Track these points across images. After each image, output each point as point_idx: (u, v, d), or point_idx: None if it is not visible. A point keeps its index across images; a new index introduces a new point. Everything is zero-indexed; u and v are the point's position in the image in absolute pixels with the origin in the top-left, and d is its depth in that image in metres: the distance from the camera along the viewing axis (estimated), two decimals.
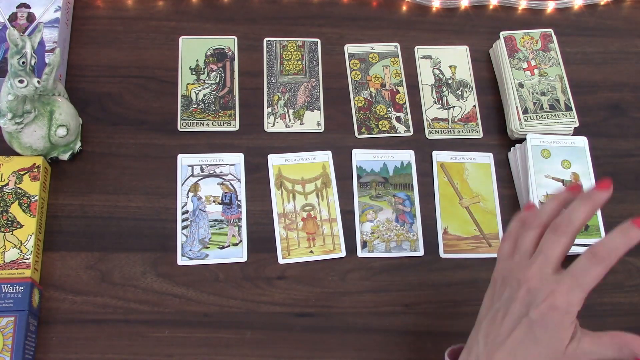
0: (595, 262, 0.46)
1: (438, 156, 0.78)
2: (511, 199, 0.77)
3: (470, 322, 0.71)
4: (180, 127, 0.77)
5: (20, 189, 0.69)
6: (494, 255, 0.74)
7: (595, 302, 0.73)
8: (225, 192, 0.74)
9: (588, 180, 0.75)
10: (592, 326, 0.72)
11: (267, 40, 0.84)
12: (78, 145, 0.74)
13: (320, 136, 0.79)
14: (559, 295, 0.46)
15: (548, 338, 0.47)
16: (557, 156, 0.76)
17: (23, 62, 0.63)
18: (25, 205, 0.69)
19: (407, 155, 0.78)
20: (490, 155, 0.79)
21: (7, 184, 0.69)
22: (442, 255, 0.73)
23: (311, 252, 0.72)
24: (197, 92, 0.80)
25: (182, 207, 0.73)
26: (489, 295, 0.53)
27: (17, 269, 0.66)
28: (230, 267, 0.71)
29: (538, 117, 0.78)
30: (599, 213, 0.74)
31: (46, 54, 0.76)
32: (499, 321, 0.49)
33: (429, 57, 0.85)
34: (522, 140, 0.78)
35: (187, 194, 0.74)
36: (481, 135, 0.81)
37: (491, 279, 0.53)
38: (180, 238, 0.72)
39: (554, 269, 0.48)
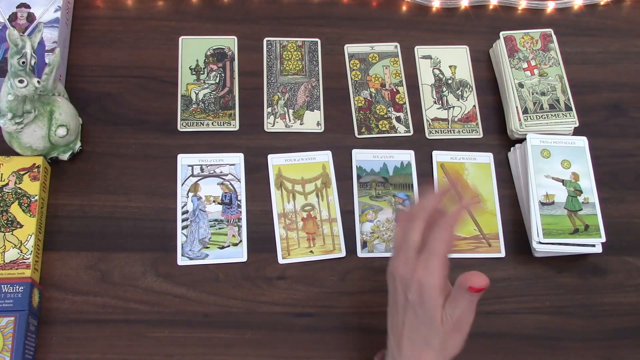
0: (438, 231, 0.52)
1: (438, 156, 0.78)
2: (511, 199, 0.77)
3: None
4: (180, 127, 0.77)
5: (20, 189, 0.69)
6: (495, 255, 0.74)
7: (595, 302, 0.73)
8: (225, 192, 0.74)
9: (588, 180, 0.75)
10: (593, 326, 0.72)
11: (267, 40, 0.84)
12: (78, 145, 0.74)
13: (320, 136, 0.79)
14: (420, 272, 0.51)
15: (426, 313, 0.52)
16: (557, 156, 0.76)
17: (23, 62, 0.64)
18: (25, 205, 0.69)
19: (407, 155, 0.78)
20: (490, 155, 0.79)
21: (7, 184, 0.69)
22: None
23: (311, 252, 0.72)
24: (197, 92, 0.80)
25: (182, 207, 0.73)
26: (389, 292, 0.57)
27: (17, 269, 0.66)
28: (230, 267, 0.71)
29: (538, 117, 0.78)
30: (599, 213, 0.74)
31: (46, 54, 0.76)
32: (395, 314, 0.55)
33: (429, 57, 0.85)
34: (522, 140, 0.78)
35: (187, 194, 0.74)
36: (481, 135, 0.81)
37: None
38: (180, 238, 0.72)
39: (416, 253, 0.53)
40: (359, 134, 0.79)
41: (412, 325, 0.53)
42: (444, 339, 0.52)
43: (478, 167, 0.78)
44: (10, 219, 0.68)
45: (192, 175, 0.75)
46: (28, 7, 0.79)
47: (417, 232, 0.53)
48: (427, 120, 0.81)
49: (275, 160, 0.76)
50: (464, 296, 0.51)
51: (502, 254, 0.74)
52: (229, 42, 0.83)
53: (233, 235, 0.72)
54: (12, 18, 0.79)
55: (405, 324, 0.53)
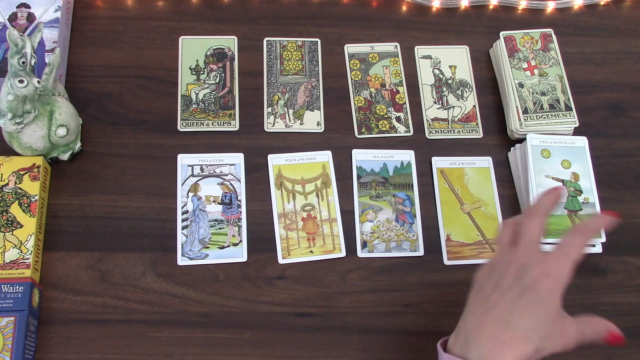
0: (577, 236, 0.52)
1: (437, 162, 0.78)
2: (511, 199, 0.77)
3: None
4: (180, 127, 0.77)
5: (20, 189, 0.69)
6: None
7: (595, 302, 0.73)
8: (225, 192, 0.74)
9: (588, 180, 0.75)
10: None
11: (267, 40, 0.84)
12: (78, 145, 0.74)
13: (320, 136, 0.79)
14: (550, 264, 0.50)
15: (539, 303, 0.48)
16: (557, 156, 0.76)
17: (23, 62, 0.64)
18: (25, 205, 0.69)
19: (407, 155, 0.78)
20: (490, 159, 0.79)
21: (7, 184, 0.69)
22: (446, 262, 0.73)
23: (311, 252, 0.72)
24: (197, 92, 0.80)
25: (182, 207, 0.73)
26: (481, 280, 0.54)
27: (17, 269, 0.66)
28: (230, 267, 0.71)
29: (538, 117, 0.78)
30: (599, 213, 0.74)
31: (46, 54, 0.76)
32: (487, 296, 0.51)
33: (429, 57, 0.85)
34: (522, 140, 0.78)
35: (187, 194, 0.74)
36: (481, 135, 0.81)
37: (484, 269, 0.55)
38: (180, 238, 0.72)
39: (538, 247, 0.52)
40: (359, 134, 0.79)
41: (512, 307, 0.49)
42: (545, 335, 0.49)
43: (478, 171, 0.78)
44: (10, 219, 0.68)
45: (192, 175, 0.75)
46: (28, 7, 0.79)
47: (538, 227, 0.53)
48: (427, 120, 0.81)
49: (275, 160, 0.76)
50: (591, 328, 0.51)
51: None
52: (229, 42, 0.83)
53: (233, 235, 0.72)
54: (12, 18, 0.79)
55: (500, 302, 0.49)
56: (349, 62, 0.84)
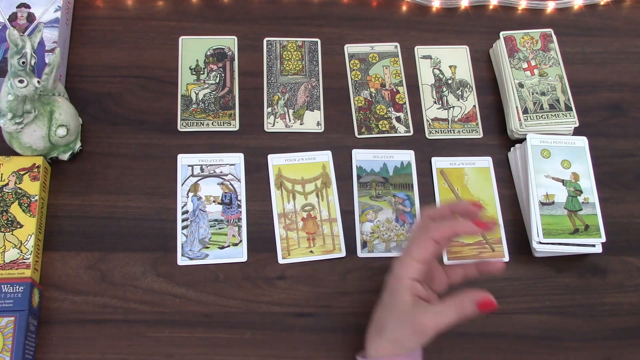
0: (425, 237, 0.55)
1: (437, 162, 0.78)
2: (511, 199, 0.77)
3: (470, 322, 0.71)
4: (180, 127, 0.77)
5: (20, 189, 0.69)
6: (498, 260, 0.74)
7: (596, 302, 0.73)
8: (225, 192, 0.74)
9: (588, 180, 0.75)
10: (593, 326, 0.72)
11: (267, 40, 0.84)
12: (78, 145, 0.74)
13: (320, 136, 0.79)
14: (394, 263, 0.56)
15: (389, 300, 0.56)
16: (557, 156, 0.76)
17: (23, 62, 0.64)
18: (25, 205, 0.69)
19: (407, 155, 0.78)
20: (489, 159, 0.79)
21: (7, 184, 0.69)
22: (446, 262, 0.73)
23: (311, 252, 0.72)
24: (197, 92, 0.80)
25: (182, 207, 0.73)
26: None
27: (17, 269, 0.66)
28: (230, 267, 0.71)
29: (538, 117, 0.78)
30: (599, 213, 0.74)
31: (46, 54, 0.76)
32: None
33: (429, 57, 0.85)
34: (522, 140, 0.78)
35: (187, 194, 0.74)
36: (481, 135, 0.81)
37: None
38: (180, 238, 0.72)
39: (409, 254, 0.56)
40: (359, 134, 0.79)
41: (378, 308, 0.58)
42: (395, 329, 0.55)
43: (477, 171, 0.78)
44: (10, 219, 0.68)
45: (192, 175, 0.75)
46: (28, 7, 0.79)
47: (421, 244, 0.55)
48: (427, 120, 0.81)
49: (275, 160, 0.76)
50: (455, 309, 0.53)
51: (506, 259, 0.74)
52: (229, 42, 0.83)
53: (233, 235, 0.72)
54: (12, 18, 0.79)
55: (377, 309, 0.59)
56: (349, 62, 0.84)
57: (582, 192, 0.75)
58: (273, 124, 0.79)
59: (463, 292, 0.54)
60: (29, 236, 0.67)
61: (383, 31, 0.86)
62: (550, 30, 0.84)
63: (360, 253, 0.73)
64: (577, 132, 0.79)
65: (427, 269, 0.56)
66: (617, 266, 0.75)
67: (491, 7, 0.89)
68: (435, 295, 0.60)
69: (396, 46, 0.85)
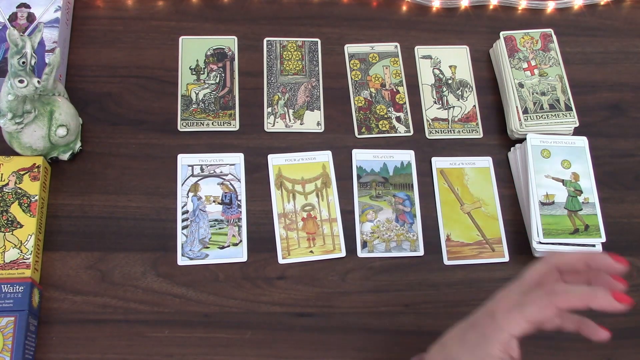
0: (548, 301, 0.46)
1: (437, 162, 0.78)
2: (511, 199, 0.77)
3: None
4: (180, 127, 0.77)
5: (20, 189, 0.69)
6: (498, 260, 0.74)
7: None
8: (225, 192, 0.74)
9: (588, 180, 0.75)
10: None
11: (267, 40, 0.84)
12: (78, 145, 0.74)
13: (320, 136, 0.79)
14: (498, 306, 0.48)
15: (474, 339, 0.48)
16: (557, 156, 0.76)
17: (23, 62, 0.64)
18: (25, 205, 0.69)
19: (407, 155, 0.78)
20: (490, 159, 0.79)
21: (7, 184, 0.69)
22: (446, 262, 0.73)
23: (311, 252, 0.72)
24: (197, 92, 0.80)
25: (182, 207, 0.73)
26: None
27: (17, 269, 0.66)
28: (230, 267, 0.71)
29: (538, 117, 0.78)
30: (599, 213, 0.74)
31: (46, 54, 0.76)
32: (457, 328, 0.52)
33: (429, 57, 0.85)
34: (522, 140, 0.78)
35: (187, 194, 0.74)
36: (481, 135, 0.81)
37: None
38: (180, 238, 0.72)
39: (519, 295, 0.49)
40: (359, 134, 0.79)
41: (454, 337, 0.51)
42: None
43: (477, 171, 0.78)
44: (10, 219, 0.68)
45: (192, 175, 0.75)
46: (28, 7, 0.79)
47: (542, 309, 0.47)
48: (427, 120, 0.81)
49: (275, 160, 0.76)
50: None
51: (506, 259, 0.74)
52: (229, 42, 0.83)
53: (233, 235, 0.72)
54: (12, 18, 0.79)
55: (450, 332, 0.52)
56: (349, 62, 0.84)
57: (582, 192, 0.75)
58: (273, 124, 0.79)
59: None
60: (29, 236, 0.67)
61: (383, 31, 0.86)
62: (550, 30, 0.84)
63: (360, 253, 0.73)
64: (577, 132, 0.79)
65: (542, 323, 0.48)
66: None
67: (491, 7, 0.89)
68: None
69: (396, 46, 0.85)
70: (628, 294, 0.73)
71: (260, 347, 0.67)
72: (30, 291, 0.64)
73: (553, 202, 0.73)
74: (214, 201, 0.74)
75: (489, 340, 0.47)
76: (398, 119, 0.81)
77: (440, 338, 0.53)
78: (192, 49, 0.82)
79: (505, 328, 0.47)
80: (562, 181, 0.75)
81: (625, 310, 0.47)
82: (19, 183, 0.69)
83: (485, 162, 0.79)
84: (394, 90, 0.82)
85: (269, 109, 0.80)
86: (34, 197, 0.69)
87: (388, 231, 0.74)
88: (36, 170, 0.70)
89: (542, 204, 0.73)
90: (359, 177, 0.77)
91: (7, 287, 0.64)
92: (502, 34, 0.83)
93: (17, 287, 0.64)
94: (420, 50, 0.85)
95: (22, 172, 0.70)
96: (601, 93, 0.85)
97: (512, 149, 0.79)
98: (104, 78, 0.79)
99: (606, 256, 0.50)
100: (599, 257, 0.50)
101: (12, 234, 0.67)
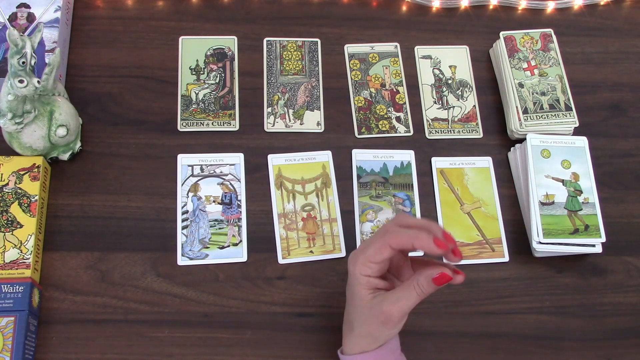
0: (382, 241, 0.52)
1: (437, 162, 0.78)
2: (511, 199, 0.77)
3: (470, 322, 0.72)
4: (180, 127, 0.77)
5: (20, 189, 0.69)
6: (498, 260, 0.74)
7: (595, 302, 0.73)
8: (225, 192, 0.74)
9: (588, 180, 0.75)
10: (593, 326, 0.72)
11: (267, 40, 0.84)
12: (78, 145, 0.74)
13: (320, 136, 0.79)
14: (350, 258, 0.55)
15: (350, 297, 0.56)
16: (557, 156, 0.76)
17: (23, 62, 0.64)
18: (25, 205, 0.69)
19: (407, 155, 0.78)
20: (490, 159, 0.79)
21: (7, 184, 0.69)
22: (446, 262, 0.73)
23: (311, 252, 0.72)
24: (197, 92, 0.80)
25: (182, 207, 0.73)
26: None
27: (17, 269, 0.66)
28: (230, 267, 0.71)
29: (538, 117, 0.78)
30: (599, 213, 0.74)
31: (46, 54, 0.76)
32: None
33: (429, 57, 0.85)
34: (522, 140, 0.78)
35: (187, 194, 0.74)
36: (481, 135, 0.81)
37: None
38: (180, 238, 0.72)
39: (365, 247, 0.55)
40: (359, 134, 0.79)
41: (346, 306, 0.58)
42: (363, 323, 0.55)
43: (477, 171, 0.78)
44: (10, 219, 0.68)
45: (192, 175, 0.75)
46: (28, 7, 0.79)
47: (375, 244, 0.54)
48: (427, 120, 0.81)
49: (275, 160, 0.76)
50: (413, 290, 0.53)
51: (506, 259, 0.74)
52: (229, 42, 0.83)
53: (233, 235, 0.72)
54: (12, 18, 0.79)
55: (346, 306, 0.59)
56: (349, 62, 0.84)
57: (582, 192, 0.75)
58: (273, 124, 0.79)
59: (418, 272, 0.54)
60: (29, 236, 0.67)
61: (383, 31, 0.86)
62: (550, 30, 0.84)
63: None
64: (577, 132, 0.79)
65: (384, 266, 0.55)
66: (617, 266, 0.75)
67: (491, 7, 0.89)
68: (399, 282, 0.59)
69: (396, 46, 0.85)
70: (628, 294, 0.74)
71: (260, 347, 0.67)
72: (30, 291, 0.64)
73: (553, 202, 0.74)
74: (214, 201, 0.74)
75: (354, 287, 0.55)
76: (398, 119, 0.81)
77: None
78: (192, 49, 0.82)
79: (356, 272, 0.54)
80: (562, 181, 0.75)
81: (445, 279, 0.52)
82: (19, 183, 0.69)
83: (485, 162, 0.79)
84: (394, 90, 0.82)
85: (269, 109, 0.80)
86: (34, 197, 0.69)
87: None
88: (36, 170, 0.70)
89: (542, 204, 0.73)
90: (359, 177, 0.77)
91: (7, 287, 0.64)
92: (502, 34, 0.83)
93: (17, 287, 0.64)
94: (420, 50, 0.85)
95: (22, 172, 0.70)
96: (601, 93, 0.85)
97: (512, 149, 0.79)
98: (104, 78, 0.79)
99: (440, 227, 0.53)
100: (435, 224, 0.54)
101: (12, 234, 0.67)
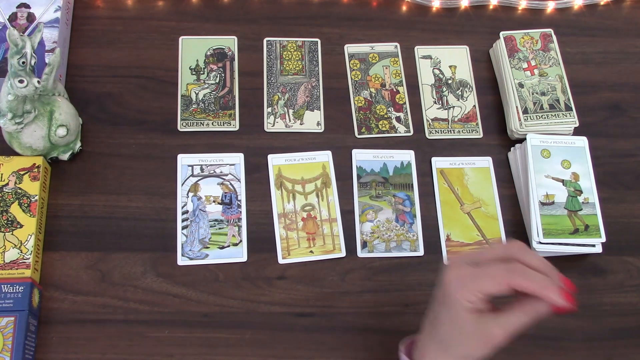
0: (505, 277, 0.48)
1: (437, 162, 0.78)
2: (511, 199, 0.77)
3: None
4: (180, 127, 0.77)
5: (20, 189, 0.69)
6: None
7: (595, 302, 0.73)
8: (225, 192, 0.74)
9: (588, 180, 0.75)
10: (593, 326, 0.72)
11: (267, 40, 0.84)
12: (78, 145, 0.74)
13: (320, 136, 0.79)
14: (451, 278, 0.50)
15: (447, 317, 0.51)
16: (557, 156, 0.76)
17: (23, 62, 0.64)
18: (25, 205, 0.69)
19: (407, 155, 0.78)
20: (490, 159, 0.79)
21: (7, 184, 0.69)
22: (447, 262, 0.73)
23: (311, 252, 0.72)
24: (197, 92, 0.80)
25: (182, 207, 0.73)
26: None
27: (17, 269, 0.66)
28: (230, 267, 0.71)
29: (538, 117, 0.78)
30: (599, 213, 0.74)
31: (46, 54, 0.76)
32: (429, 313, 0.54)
33: (429, 57, 0.85)
34: (522, 140, 0.78)
35: (187, 194, 0.74)
36: (481, 136, 0.81)
37: None
38: (180, 238, 0.72)
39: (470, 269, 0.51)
40: (359, 134, 0.79)
41: (433, 322, 0.53)
42: (462, 344, 0.51)
43: (477, 171, 0.78)
44: (10, 219, 0.68)
45: (192, 175, 0.75)
46: (28, 7, 0.79)
47: (495, 284, 0.49)
48: (427, 120, 0.81)
49: (275, 160, 0.76)
50: (526, 314, 0.49)
51: None
52: (229, 42, 0.83)
53: (233, 235, 0.72)
54: (12, 18, 0.79)
55: (427, 321, 0.54)
56: (349, 62, 0.84)
57: (582, 192, 0.75)
58: (273, 124, 0.79)
59: (525, 303, 0.50)
60: (29, 236, 0.67)
61: (383, 31, 0.86)
62: (550, 30, 0.84)
63: (360, 253, 0.73)
64: (577, 132, 0.79)
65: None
66: (617, 266, 0.75)
67: (491, 7, 0.89)
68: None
69: (396, 46, 0.85)
70: (628, 294, 0.74)
71: (260, 347, 0.67)
72: (30, 291, 0.64)
73: (553, 202, 0.74)
74: (214, 201, 0.74)
75: (454, 310, 0.50)
76: (398, 119, 0.81)
77: (427, 318, 0.55)
78: (192, 49, 0.82)
79: (460, 299, 0.49)
80: (562, 181, 0.75)
81: (565, 311, 0.49)
82: (19, 183, 0.69)
83: (485, 162, 0.79)
84: (394, 90, 0.82)
85: (269, 109, 0.80)
86: (34, 197, 0.69)
87: (388, 231, 0.74)
88: (36, 170, 0.70)
89: (542, 204, 0.73)
90: (359, 177, 0.77)
91: (7, 287, 0.64)
92: (502, 34, 0.83)
93: (17, 287, 0.64)
94: (420, 50, 0.85)
95: (22, 172, 0.70)
96: (601, 93, 0.85)
97: (512, 149, 0.79)
98: (104, 78, 0.79)
99: (557, 273, 0.50)
100: (553, 270, 0.50)
101: (12, 234, 0.67)
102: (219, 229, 0.73)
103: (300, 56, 0.83)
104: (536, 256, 0.50)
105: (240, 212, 0.74)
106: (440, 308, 0.52)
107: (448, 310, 0.51)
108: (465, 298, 0.49)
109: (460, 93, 0.83)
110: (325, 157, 0.77)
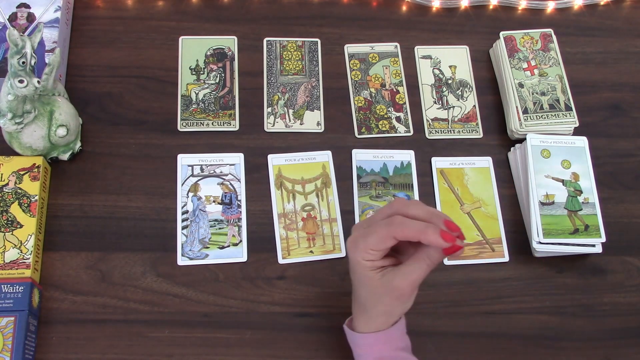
0: (387, 231, 0.52)
1: (437, 162, 0.78)
2: (511, 199, 0.77)
3: (470, 322, 0.72)
4: (180, 127, 0.77)
5: (20, 189, 0.69)
6: (498, 260, 0.74)
7: (595, 302, 0.73)
8: (225, 192, 0.74)
9: (588, 180, 0.75)
10: (593, 326, 0.72)
11: (267, 40, 0.84)
12: (78, 145, 0.74)
13: (320, 136, 0.79)
14: (349, 243, 0.55)
15: (357, 280, 0.57)
16: (557, 156, 0.76)
17: (23, 62, 0.64)
18: (25, 205, 0.69)
19: (407, 155, 0.78)
20: (490, 159, 0.79)
21: (7, 184, 0.69)
22: (446, 262, 0.73)
23: (311, 252, 0.72)
24: (197, 92, 0.80)
25: (182, 207, 0.73)
26: None
27: (17, 269, 0.66)
28: (230, 267, 0.71)
29: (538, 117, 0.78)
30: (599, 213, 0.74)
31: (46, 54, 0.76)
32: None
33: (429, 57, 0.85)
34: (522, 140, 0.78)
35: (187, 194, 0.74)
36: (481, 135, 0.81)
37: None
38: (180, 238, 0.72)
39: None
40: (359, 134, 0.79)
41: (354, 289, 0.58)
42: (384, 306, 0.56)
43: (477, 171, 0.78)
44: (10, 219, 0.68)
45: (192, 175, 0.75)
46: (28, 7, 0.79)
47: (378, 233, 0.53)
48: (427, 120, 0.81)
49: (275, 160, 0.76)
50: (423, 262, 0.53)
51: (506, 259, 0.74)
52: (229, 42, 0.83)
53: (233, 235, 0.72)
54: (12, 18, 0.79)
55: (353, 288, 0.59)
56: (349, 62, 0.84)
57: (582, 192, 0.75)
58: (273, 124, 0.79)
59: (424, 249, 0.53)
60: (29, 236, 0.67)
61: (383, 31, 0.86)
62: (550, 30, 0.84)
63: None
64: (577, 132, 0.79)
65: (385, 251, 0.54)
66: (617, 266, 0.75)
67: (491, 7, 0.89)
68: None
69: (396, 46, 0.85)
70: (628, 294, 0.74)
71: (260, 347, 0.67)
72: (30, 291, 0.64)
73: (553, 202, 0.74)
74: (214, 201, 0.74)
75: (359, 272, 0.55)
76: (398, 119, 0.81)
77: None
78: (192, 49, 0.82)
79: (358, 258, 0.54)
80: (562, 181, 0.75)
81: (453, 251, 0.51)
82: (19, 183, 0.69)
83: (485, 162, 0.79)
84: (394, 90, 0.82)
85: (269, 109, 0.80)
86: (34, 197, 0.69)
87: None
88: (36, 170, 0.70)
89: (542, 204, 0.73)
90: (359, 177, 0.77)
91: (7, 287, 0.64)
92: (502, 34, 0.83)
93: (17, 287, 0.64)
94: (420, 50, 0.85)
95: (22, 172, 0.70)
96: (601, 93, 0.85)
97: (512, 149, 0.79)
98: (104, 78, 0.79)
99: (446, 216, 0.52)
100: (441, 214, 0.52)
101: (12, 234, 0.67)
102: (219, 229, 0.73)
103: (300, 56, 0.83)
104: (417, 207, 0.53)
105: (240, 212, 0.74)
106: (352, 275, 0.57)
107: (355, 273, 0.56)
108: (361, 257, 0.54)
109: (460, 93, 0.83)
110: (325, 157, 0.77)
